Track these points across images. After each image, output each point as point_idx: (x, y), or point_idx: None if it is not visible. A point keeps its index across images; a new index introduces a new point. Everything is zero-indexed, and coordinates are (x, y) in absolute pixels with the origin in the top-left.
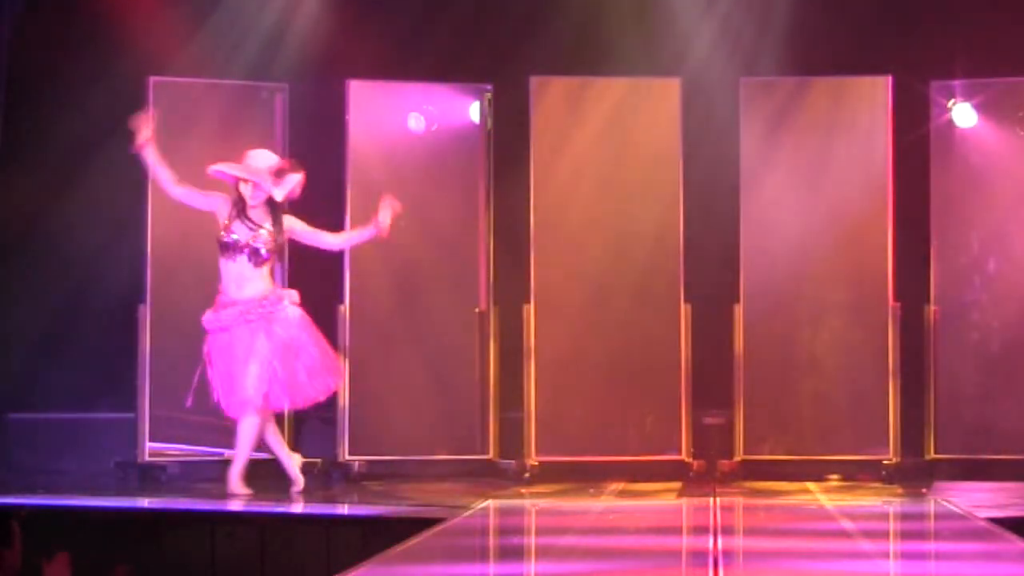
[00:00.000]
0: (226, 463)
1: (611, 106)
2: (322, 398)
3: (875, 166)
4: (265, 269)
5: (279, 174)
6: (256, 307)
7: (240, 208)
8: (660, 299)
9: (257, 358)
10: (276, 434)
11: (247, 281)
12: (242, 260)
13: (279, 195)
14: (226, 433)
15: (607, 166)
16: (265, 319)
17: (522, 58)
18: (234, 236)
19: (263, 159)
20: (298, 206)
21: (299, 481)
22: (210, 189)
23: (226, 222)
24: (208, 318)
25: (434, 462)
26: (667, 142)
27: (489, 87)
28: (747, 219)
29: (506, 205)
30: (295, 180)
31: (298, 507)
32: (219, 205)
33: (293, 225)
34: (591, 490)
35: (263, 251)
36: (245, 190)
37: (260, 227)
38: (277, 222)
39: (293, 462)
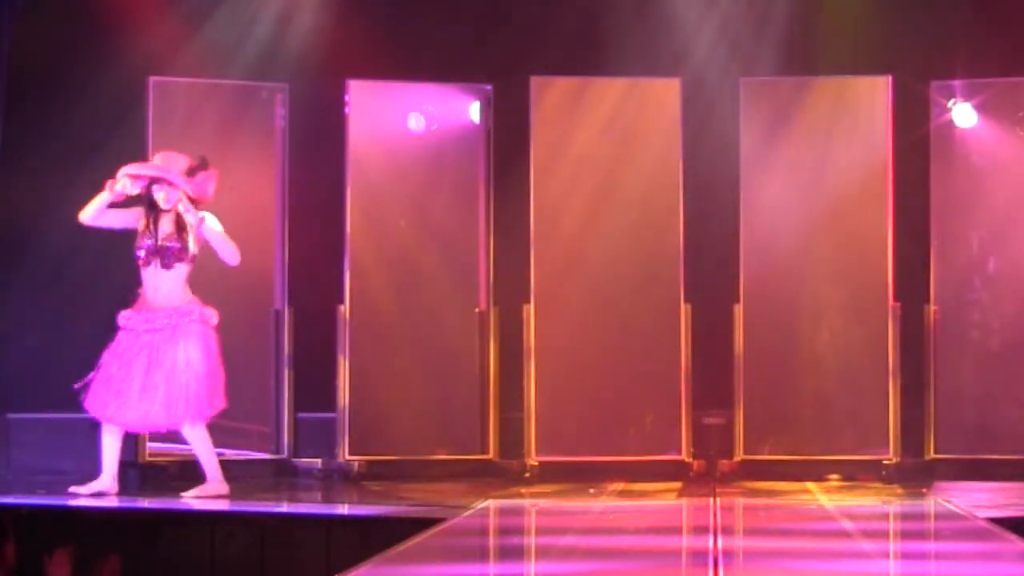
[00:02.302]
0: (227, 463)
1: (611, 106)
2: (180, 423)
3: (875, 166)
4: (176, 272)
5: (191, 173)
6: (166, 316)
7: (154, 216)
8: (660, 299)
9: (161, 372)
10: (118, 440)
11: (162, 286)
12: (155, 265)
13: (194, 193)
14: (227, 433)
15: (607, 166)
16: (170, 331)
17: (522, 58)
18: (148, 242)
19: (173, 160)
20: (298, 206)
21: (87, 489)
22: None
23: (142, 231)
24: (124, 315)
25: (434, 462)
26: (667, 142)
27: (489, 87)
28: (747, 219)
29: (506, 205)
30: (209, 178)
31: (298, 507)
32: (137, 218)
33: (211, 224)
34: (591, 490)
35: (172, 255)
36: (158, 195)
37: (171, 232)
38: (186, 225)
39: (109, 481)
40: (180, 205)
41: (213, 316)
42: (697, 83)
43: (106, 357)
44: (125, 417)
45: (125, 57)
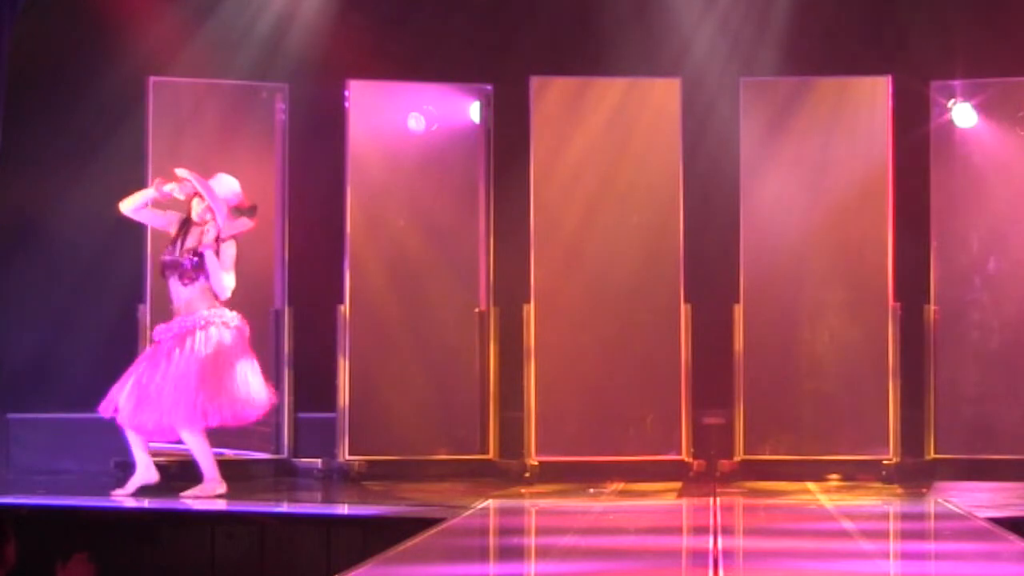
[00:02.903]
0: (227, 463)
1: (611, 106)
2: (228, 422)
3: (875, 166)
4: (196, 287)
5: (237, 210)
6: (181, 322)
7: (186, 228)
8: (660, 299)
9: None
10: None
11: (183, 299)
12: (175, 278)
13: (226, 231)
14: (227, 433)
15: (607, 166)
16: (183, 337)
17: (522, 58)
18: (168, 256)
19: (228, 189)
20: (298, 206)
21: (128, 488)
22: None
23: (172, 239)
24: (157, 329)
25: (434, 462)
26: (667, 142)
27: (489, 87)
28: (747, 219)
29: (506, 205)
30: (246, 226)
31: (298, 507)
32: (174, 222)
33: (223, 251)
34: (591, 490)
35: (189, 270)
36: (195, 208)
37: (191, 247)
38: (201, 244)
39: (144, 473)
40: (207, 224)
41: (234, 318)
42: (697, 83)
43: (132, 367)
44: (137, 420)
45: (125, 57)
